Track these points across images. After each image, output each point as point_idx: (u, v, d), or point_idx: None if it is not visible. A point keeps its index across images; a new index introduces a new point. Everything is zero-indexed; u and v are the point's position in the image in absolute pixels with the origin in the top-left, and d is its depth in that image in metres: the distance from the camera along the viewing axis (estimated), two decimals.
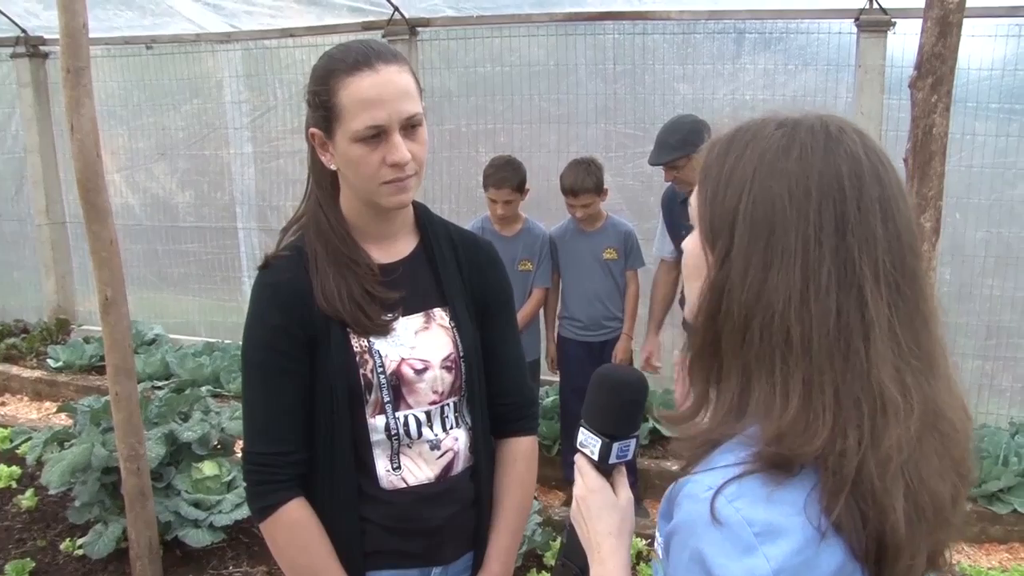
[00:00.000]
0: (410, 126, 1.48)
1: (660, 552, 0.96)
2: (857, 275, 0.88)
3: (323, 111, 1.48)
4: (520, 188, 4.14)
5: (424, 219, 1.69)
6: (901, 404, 0.87)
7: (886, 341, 0.88)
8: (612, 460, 1.16)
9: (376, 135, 1.45)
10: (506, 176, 4.09)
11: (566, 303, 4.38)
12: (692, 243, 1.00)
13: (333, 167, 1.53)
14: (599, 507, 1.14)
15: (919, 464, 0.88)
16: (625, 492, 1.17)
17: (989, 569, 3.66)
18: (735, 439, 0.92)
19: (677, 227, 3.98)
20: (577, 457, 1.20)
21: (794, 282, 0.88)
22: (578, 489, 1.17)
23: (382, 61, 1.45)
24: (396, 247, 1.64)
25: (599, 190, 4.12)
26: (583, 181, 4.06)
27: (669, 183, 4.02)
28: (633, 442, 1.19)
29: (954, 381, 0.96)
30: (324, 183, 1.59)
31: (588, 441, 1.17)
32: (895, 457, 0.86)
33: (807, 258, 0.88)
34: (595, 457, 1.16)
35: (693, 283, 1.00)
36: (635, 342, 4.39)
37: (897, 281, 0.90)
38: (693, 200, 1.00)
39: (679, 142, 3.75)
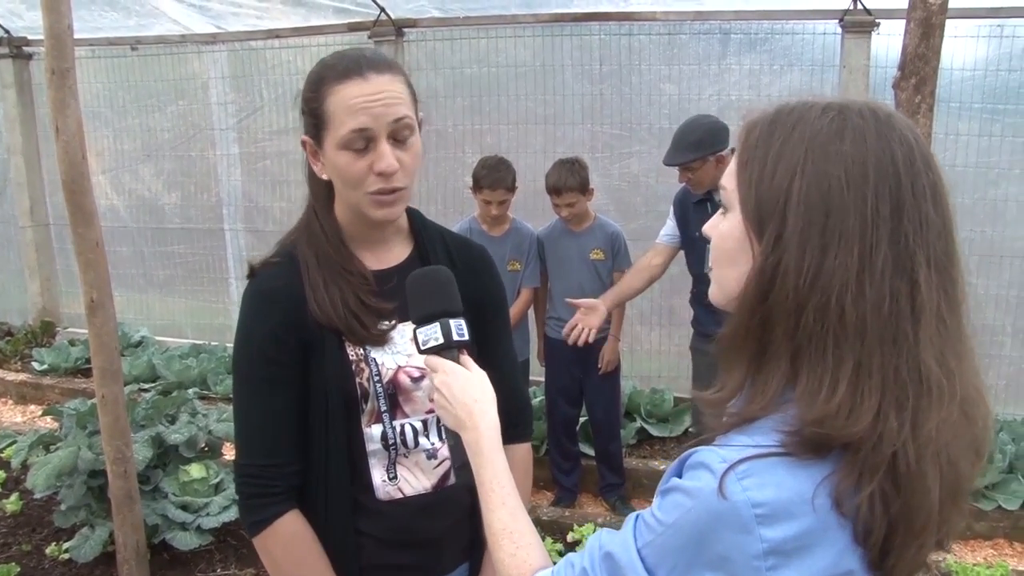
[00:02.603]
0: (400, 134, 1.44)
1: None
2: (912, 260, 0.89)
3: (313, 118, 1.46)
4: (513, 187, 4.15)
5: (418, 225, 1.66)
6: (946, 388, 0.88)
7: (934, 325, 0.89)
8: (455, 338, 1.29)
9: (364, 145, 1.42)
10: (501, 176, 4.09)
11: (553, 303, 4.39)
12: (729, 227, 0.99)
13: (324, 176, 1.51)
14: (460, 385, 1.26)
15: (951, 447, 0.90)
16: (475, 367, 1.30)
17: (975, 565, 3.68)
18: (764, 420, 0.93)
19: (691, 229, 3.90)
20: (425, 360, 1.32)
21: (851, 266, 0.88)
22: (437, 380, 1.28)
23: (373, 70, 1.42)
24: (390, 254, 1.61)
25: (584, 189, 4.12)
26: (567, 180, 4.06)
27: (683, 184, 3.94)
28: (463, 321, 1.33)
29: (977, 359, 0.97)
30: (319, 191, 1.57)
31: (427, 335, 1.30)
32: (934, 440, 0.88)
33: (864, 242, 0.88)
34: (440, 341, 1.29)
35: (729, 269, 0.99)
36: (623, 343, 4.40)
37: (946, 266, 0.91)
38: (729, 184, 0.99)
39: (695, 143, 3.68)
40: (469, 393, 1.25)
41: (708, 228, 1.04)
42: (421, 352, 1.33)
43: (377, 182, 1.44)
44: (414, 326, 1.33)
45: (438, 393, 1.28)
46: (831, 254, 0.88)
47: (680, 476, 0.94)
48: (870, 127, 0.91)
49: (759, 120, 0.98)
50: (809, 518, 0.86)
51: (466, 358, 1.32)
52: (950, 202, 0.94)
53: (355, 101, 1.40)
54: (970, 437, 0.94)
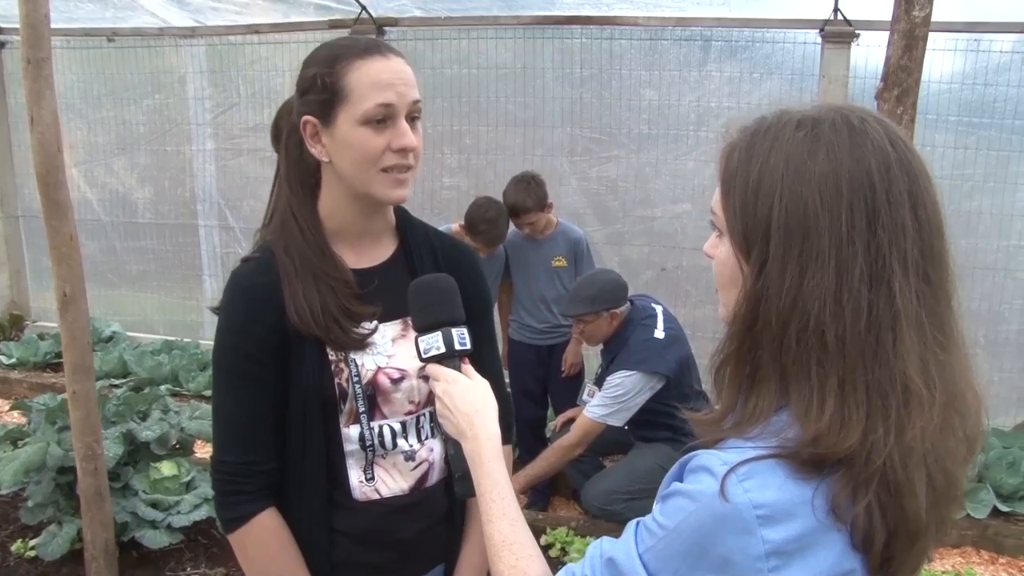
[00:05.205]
0: (412, 117, 1.46)
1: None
2: (887, 269, 0.89)
3: (326, 94, 1.43)
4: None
5: (404, 223, 1.65)
6: (925, 395, 0.89)
7: (913, 332, 0.89)
8: (457, 347, 1.30)
9: (383, 119, 1.42)
10: (500, 234, 4.06)
11: (516, 307, 4.44)
12: (724, 253, 1.00)
13: (324, 159, 1.48)
14: (461, 392, 1.26)
15: (938, 449, 0.90)
16: (477, 376, 1.30)
17: (943, 572, 3.72)
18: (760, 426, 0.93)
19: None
20: (427, 368, 1.33)
21: (828, 284, 0.88)
22: (438, 388, 1.28)
23: (391, 52, 1.47)
24: (375, 251, 1.59)
25: (541, 207, 4.13)
26: (524, 201, 4.07)
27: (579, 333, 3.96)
28: (465, 330, 1.34)
29: (967, 355, 0.97)
30: (301, 185, 1.54)
31: (430, 343, 1.31)
32: (918, 447, 0.88)
33: (840, 259, 0.88)
34: (443, 350, 1.30)
35: (729, 292, 1.00)
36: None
37: (925, 269, 0.91)
38: (717, 209, 0.99)
39: (589, 298, 3.72)
40: (470, 402, 1.24)
41: (708, 248, 1.05)
42: (423, 360, 1.33)
43: (394, 158, 1.44)
44: (416, 334, 1.33)
45: (439, 402, 1.28)
46: (809, 275, 0.89)
47: (681, 480, 0.94)
48: (843, 139, 0.91)
49: (737, 143, 0.98)
50: (810, 519, 0.86)
51: (468, 367, 1.32)
52: (935, 201, 0.94)
53: (382, 76, 1.42)
54: (960, 433, 0.94)
